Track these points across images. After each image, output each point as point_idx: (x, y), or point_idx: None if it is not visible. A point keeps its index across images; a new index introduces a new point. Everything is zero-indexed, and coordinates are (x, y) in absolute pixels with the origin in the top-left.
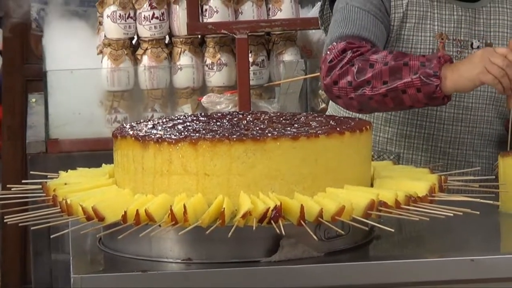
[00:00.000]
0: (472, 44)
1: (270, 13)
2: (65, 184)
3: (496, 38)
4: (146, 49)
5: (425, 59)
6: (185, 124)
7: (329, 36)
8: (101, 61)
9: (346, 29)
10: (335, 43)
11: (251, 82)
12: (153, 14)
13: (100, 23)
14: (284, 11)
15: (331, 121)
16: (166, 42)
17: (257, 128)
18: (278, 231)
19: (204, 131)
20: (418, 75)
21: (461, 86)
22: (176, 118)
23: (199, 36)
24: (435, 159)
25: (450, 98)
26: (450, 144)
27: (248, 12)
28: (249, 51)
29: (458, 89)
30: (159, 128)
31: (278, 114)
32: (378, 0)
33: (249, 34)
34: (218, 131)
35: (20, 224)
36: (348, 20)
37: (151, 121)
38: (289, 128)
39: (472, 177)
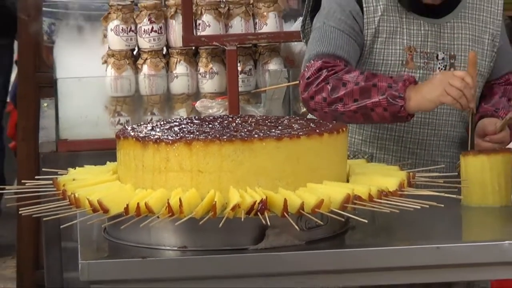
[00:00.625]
0: (437, 55)
1: (257, 27)
2: (73, 180)
3: (459, 50)
4: (146, 59)
5: (392, 81)
6: (180, 126)
7: (307, 53)
8: (106, 70)
9: (323, 47)
10: (312, 61)
11: (240, 89)
12: (152, 28)
13: (105, 36)
14: (269, 25)
15: (311, 124)
16: (164, 53)
17: (245, 130)
18: (264, 222)
19: (197, 133)
20: (385, 96)
21: (423, 106)
22: (172, 121)
23: (193, 47)
24: (404, 158)
25: (413, 115)
26: (418, 145)
27: (237, 26)
28: (238, 61)
29: (421, 109)
30: (158, 129)
31: (264, 117)
32: (352, 20)
33: (237, 46)
34: (210, 133)
35: (33, 216)
36: (325, 38)
37: (150, 124)
38: (273, 130)
39: (437, 174)
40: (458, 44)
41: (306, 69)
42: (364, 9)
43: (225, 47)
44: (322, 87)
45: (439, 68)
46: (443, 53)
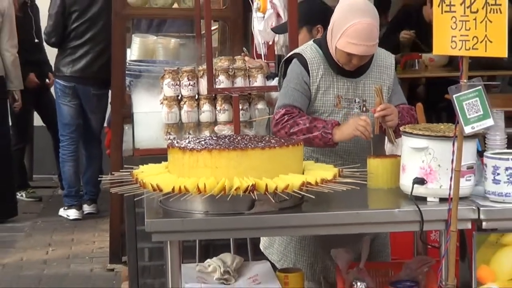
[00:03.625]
0: (355, 100)
1: (250, 83)
2: (142, 172)
3: (368, 97)
4: (185, 101)
5: (325, 123)
6: (205, 141)
7: (278, 103)
8: (162, 107)
9: (286, 100)
10: (280, 109)
11: (240, 119)
12: (189, 83)
13: (161, 87)
14: (258, 82)
15: (282, 140)
16: (196, 97)
17: (243, 143)
18: (253, 197)
19: (215, 145)
20: (320, 132)
21: (343, 138)
22: (200, 138)
23: (213, 95)
24: (336, 160)
25: (338, 143)
26: (344, 153)
27: (239, 82)
28: (239, 103)
29: (342, 140)
30: (192, 143)
31: (254, 136)
32: (303, 83)
33: (239, 94)
34: (223, 145)
35: (119, 193)
36: (287, 95)
37: (188, 139)
38: (259, 143)
39: (355, 170)
40: (367, 93)
41: (276, 113)
42: (310, 74)
43: (232, 95)
44: (284, 126)
45: (356, 107)
46: (358, 98)
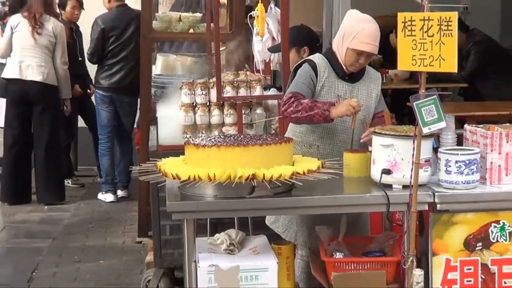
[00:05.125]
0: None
1: (251, 92)
2: (164, 164)
3: (360, 99)
4: (199, 107)
5: (323, 104)
6: (214, 139)
7: (286, 92)
8: (180, 112)
9: (294, 89)
10: (288, 94)
11: (243, 122)
12: (202, 92)
13: (180, 96)
14: (257, 92)
15: (276, 138)
16: (208, 104)
17: (245, 140)
18: (253, 184)
19: (223, 142)
20: (320, 110)
21: (338, 115)
22: (211, 136)
23: (221, 102)
24: (334, 148)
25: (334, 120)
26: (340, 141)
27: (242, 92)
28: (242, 108)
29: (337, 116)
30: (204, 140)
31: (254, 135)
32: (311, 80)
33: (242, 101)
34: (229, 141)
35: (146, 180)
36: (296, 86)
37: (200, 138)
38: (258, 141)
39: (335, 162)
40: (360, 96)
41: (284, 97)
42: (318, 74)
43: (236, 102)
44: (290, 105)
45: None
46: (353, 98)
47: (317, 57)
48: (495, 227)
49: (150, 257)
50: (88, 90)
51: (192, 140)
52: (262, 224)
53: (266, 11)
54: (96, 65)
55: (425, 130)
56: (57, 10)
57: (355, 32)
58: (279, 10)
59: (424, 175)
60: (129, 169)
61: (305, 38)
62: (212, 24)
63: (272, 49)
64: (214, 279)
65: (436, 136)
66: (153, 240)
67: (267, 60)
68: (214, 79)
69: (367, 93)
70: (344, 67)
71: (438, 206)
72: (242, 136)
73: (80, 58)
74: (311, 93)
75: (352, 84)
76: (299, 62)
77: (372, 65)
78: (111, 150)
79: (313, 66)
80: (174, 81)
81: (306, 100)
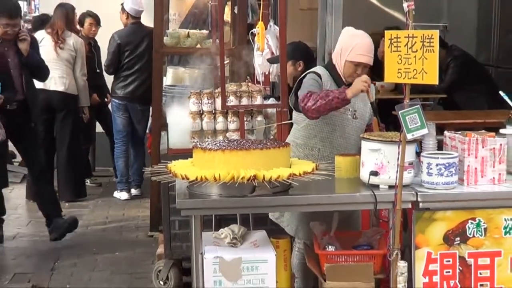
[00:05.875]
0: (349, 109)
1: (252, 102)
2: (174, 165)
3: (357, 108)
4: (205, 114)
5: (337, 89)
6: (219, 143)
7: (302, 91)
8: (188, 119)
9: (309, 87)
10: (305, 92)
11: (245, 128)
12: (208, 101)
13: (188, 105)
14: (258, 101)
15: (275, 142)
16: (213, 112)
17: (247, 145)
18: (254, 184)
19: (227, 146)
20: (337, 94)
21: (355, 93)
22: (217, 141)
23: (226, 110)
24: (333, 150)
25: (350, 101)
26: (339, 145)
27: (244, 101)
28: (244, 116)
29: (354, 95)
30: (210, 144)
31: (255, 140)
32: (318, 84)
33: (244, 110)
34: (232, 145)
35: (157, 180)
36: (306, 88)
37: (207, 142)
38: (259, 145)
39: (328, 165)
40: (357, 105)
41: (302, 95)
42: (322, 82)
43: (239, 110)
44: (309, 99)
45: (349, 114)
46: (351, 108)
47: (319, 68)
48: (471, 223)
49: (161, 250)
50: (105, 99)
51: (199, 144)
52: (262, 220)
53: (266, 29)
54: (112, 76)
55: (409, 136)
56: (77, 27)
57: (351, 46)
58: (277, 28)
59: (408, 176)
60: (142, 170)
61: (302, 54)
62: (217, 40)
63: (271, 60)
64: (219, 269)
65: (418, 142)
66: (163, 234)
67: (266, 73)
68: (219, 89)
69: (363, 103)
70: (344, 79)
71: (421, 205)
72: (244, 141)
73: (98, 70)
74: None
75: None
76: (304, 73)
77: None
78: (126, 153)
79: (318, 75)
80: (183, 91)
81: (320, 92)
